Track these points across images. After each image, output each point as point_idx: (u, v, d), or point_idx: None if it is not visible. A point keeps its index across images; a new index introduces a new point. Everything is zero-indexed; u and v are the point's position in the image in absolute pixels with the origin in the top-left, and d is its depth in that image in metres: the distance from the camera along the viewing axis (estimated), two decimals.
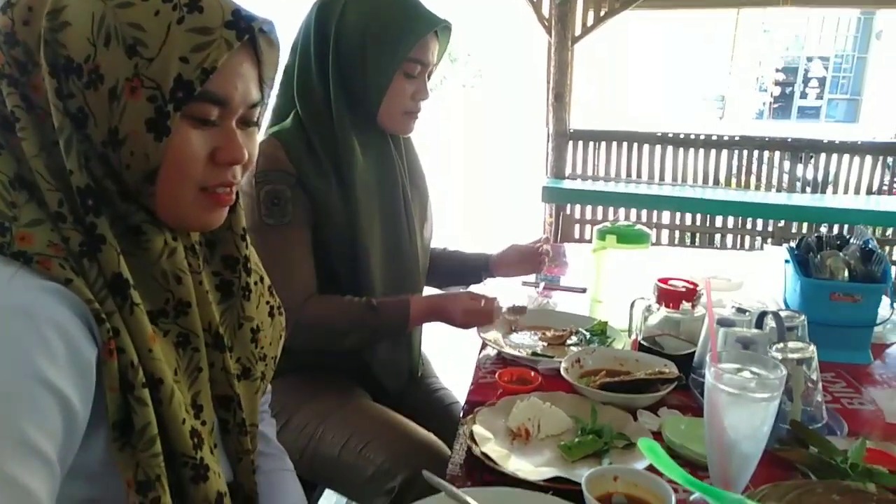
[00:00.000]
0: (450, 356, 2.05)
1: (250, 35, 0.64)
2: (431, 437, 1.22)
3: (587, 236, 4.20)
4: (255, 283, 0.82)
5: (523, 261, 1.55)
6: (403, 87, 1.23)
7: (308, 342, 1.22)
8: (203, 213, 0.68)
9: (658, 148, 4.09)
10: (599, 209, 4.15)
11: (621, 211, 4.08)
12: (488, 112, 13.95)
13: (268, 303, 0.86)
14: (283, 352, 1.29)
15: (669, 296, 1.19)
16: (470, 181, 8.50)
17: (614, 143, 4.13)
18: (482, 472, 0.90)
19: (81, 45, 0.59)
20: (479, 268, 1.57)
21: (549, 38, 3.92)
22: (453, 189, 7.92)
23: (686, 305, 1.18)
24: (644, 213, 4.10)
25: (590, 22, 3.93)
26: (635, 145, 4.11)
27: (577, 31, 3.95)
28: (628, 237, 1.44)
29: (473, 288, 1.60)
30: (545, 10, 3.92)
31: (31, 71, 0.60)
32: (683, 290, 1.20)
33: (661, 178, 4.11)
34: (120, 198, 0.63)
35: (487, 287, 1.61)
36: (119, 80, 0.59)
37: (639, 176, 4.14)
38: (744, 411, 0.77)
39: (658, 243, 4.14)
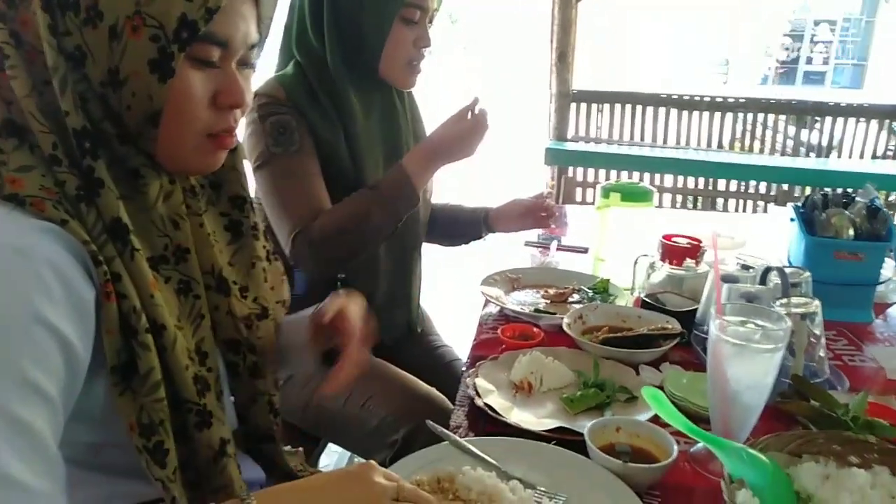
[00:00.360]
0: (451, 313, 2.06)
1: None
2: (433, 391, 1.23)
3: (589, 199, 4.18)
4: (258, 225, 0.82)
5: (525, 215, 1.50)
6: (404, 34, 1.20)
7: (323, 255, 1.16)
8: (204, 157, 0.67)
9: (662, 110, 4.05)
10: (602, 172, 4.12)
11: (624, 174, 4.06)
12: (490, 74, 13.73)
13: (264, 247, 0.84)
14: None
15: (673, 252, 1.19)
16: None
17: (618, 105, 4.08)
18: (485, 423, 0.91)
19: None
20: (478, 221, 1.51)
21: None
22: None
23: (690, 262, 1.17)
24: (647, 175, 4.07)
25: None
26: (639, 107, 4.07)
27: None
28: (632, 195, 1.43)
29: (476, 244, 1.58)
30: None
31: (18, 5, 0.57)
32: (687, 246, 1.19)
33: (665, 140, 4.08)
34: (119, 140, 0.62)
35: (488, 242, 1.60)
36: (119, 17, 0.57)
37: (642, 138, 4.11)
38: (747, 362, 0.77)
39: (661, 206, 4.12)
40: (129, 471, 0.67)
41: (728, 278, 1.08)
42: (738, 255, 1.25)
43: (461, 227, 1.55)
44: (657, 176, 4.08)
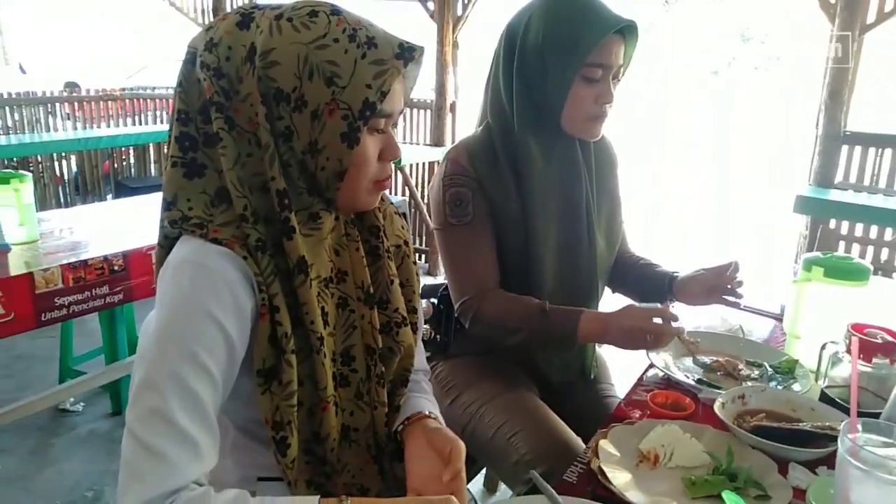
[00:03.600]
0: (630, 362, 2.01)
1: (413, 61, 0.79)
2: (576, 438, 1.26)
3: (854, 255, 3.64)
4: (398, 247, 0.98)
5: (710, 292, 1.38)
6: (585, 92, 1.24)
7: (482, 331, 1.33)
8: (368, 199, 0.86)
9: None
10: (874, 227, 3.56)
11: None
12: (776, 98, 12.49)
13: (415, 262, 1.01)
14: (461, 334, 1.43)
15: (862, 346, 1.05)
16: (724, 177, 7.85)
17: None
18: (595, 485, 0.93)
19: (289, 79, 0.75)
20: (662, 287, 1.45)
21: (831, 26, 3.43)
22: (701, 187, 7.40)
23: (880, 360, 1.03)
24: None
25: (889, 7, 3.35)
26: None
27: (871, 19, 3.39)
28: (839, 271, 1.28)
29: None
30: None
31: (232, 98, 0.77)
32: (878, 341, 1.05)
33: None
34: (307, 193, 0.82)
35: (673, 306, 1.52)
36: (320, 103, 0.76)
37: None
38: (874, 492, 0.69)
39: None
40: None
41: None
42: None
43: (646, 287, 1.50)
44: None
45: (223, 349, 0.75)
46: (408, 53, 0.78)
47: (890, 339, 1.06)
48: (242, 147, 0.78)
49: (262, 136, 0.76)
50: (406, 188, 4.79)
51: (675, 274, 1.45)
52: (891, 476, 0.69)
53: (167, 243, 0.80)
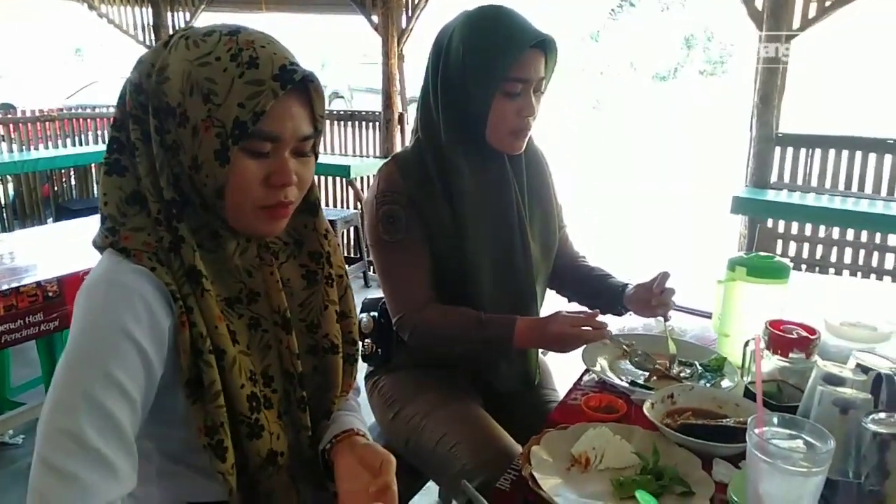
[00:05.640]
0: (574, 369, 2.04)
1: (293, 85, 0.78)
2: (518, 447, 1.27)
3: (791, 252, 3.79)
4: (341, 277, 0.97)
5: (644, 307, 1.40)
6: (506, 106, 1.26)
7: (423, 342, 1.35)
8: (262, 224, 0.84)
9: (888, 158, 3.53)
10: (808, 225, 3.71)
11: (835, 230, 3.61)
12: (719, 102, 12.87)
13: (346, 292, 1.00)
14: (403, 347, 1.44)
15: (779, 342, 1.10)
16: (668, 182, 8.07)
17: (832, 151, 3.64)
18: (526, 491, 0.94)
19: (175, 94, 0.77)
20: (614, 299, 1.47)
21: (759, 33, 3.58)
22: (642, 191, 7.59)
23: (797, 354, 1.08)
24: (864, 233, 3.58)
25: (812, 13, 3.51)
26: (858, 154, 3.59)
27: (796, 25, 3.55)
28: (762, 271, 1.33)
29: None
30: (758, 1, 3.58)
31: (148, 113, 0.79)
32: (794, 337, 1.10)
33: (891, 192, 3.54)
34: (203, 209, 0.82)
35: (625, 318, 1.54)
36: (198, 120, 0.77)
37: (861, 189, 3.62)
38: (778, 482, 0.72)
39: (884, 270, 3.59)
40: (212, 473, 0.84)
41: (831, 379, 0.99)
42: (867, 352, 1.11)
43: (598, 300, 1.51)
44: (877, 235, 3.56)
45: (140, 367, 0.74)
46: (287, 76, 0.77)
47: (805, 334, 1.10)
48: (154, 159, 0.79)
49: (154, 148, 0.78)
50: (358, 202, 4.77)
51: (626, 284, 1.47)
52: (794, 467, 0.72)
53: None
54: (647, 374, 1.32)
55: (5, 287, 1.93)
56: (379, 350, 1.51)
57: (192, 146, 0.77)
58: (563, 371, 1.68)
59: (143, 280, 0.76)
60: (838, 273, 3.67)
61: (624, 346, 1.39)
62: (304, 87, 0.81)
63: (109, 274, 0.77)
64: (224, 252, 0.85)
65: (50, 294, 2.01)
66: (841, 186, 3.67)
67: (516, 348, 1.34)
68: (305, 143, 0.83)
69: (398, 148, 4.55)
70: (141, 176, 0.80)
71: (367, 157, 4.76)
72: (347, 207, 4.87)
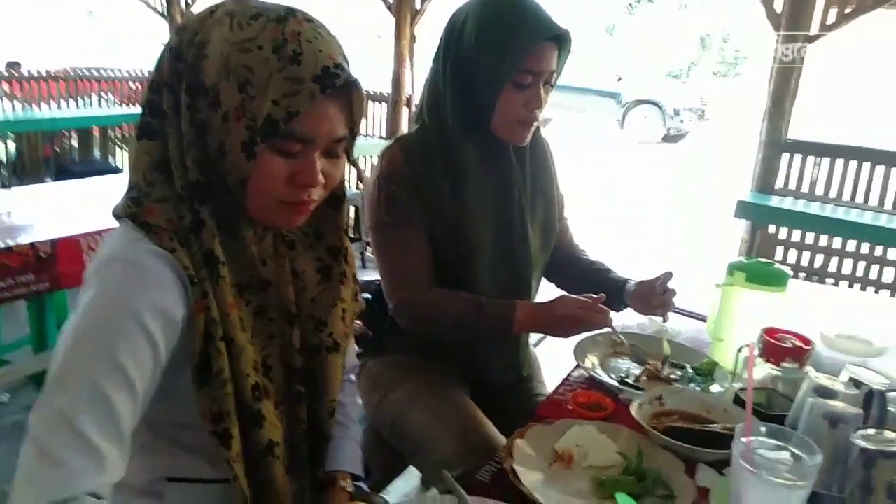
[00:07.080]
0: (565, 363, 2.03)
1: (332, 89, 0.74)
2: (502, 439, 1.27)
3: (791, 260, 3.77)
4: (355, 276, 0.96)
5: (645, 305, 1.38)
6: (515, 97, 1.24)
7: (420, 327, 1.33)
8: (282, 218, 0.82)
9: None
10: (810, 233, 3.69)
11: (836, 240, 3.59)
12: (733, 103, 12.76)
13: (353, 290, 0.97)
14: (394, 331, 1.42)
15: (773, 350, 1.08)
16: (676, 180, 8.05)
17: (839, 160, 3.62)
18: (507, 486, 0.93)
19: (211, 75, 0.74)
20: (613, 295, 1.41)
21: (777, 34, 3.53)
22: (657, 190, 7.57)
23: (789, 363, 1.06)
24: (866, 245, 3.56)
25: (831, 20, 3.46)
26: (866, 165, 3.56)
27: (814, 30, 3.50)
28: (761, 277, 1.32)
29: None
30: (777, 4, 3.53)
31: (183, 82, 0.76)
32: (789, 346, 1.08)
33: None
34: (226, 194, 0.79)
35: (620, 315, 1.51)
36: (230, 108, 0.74)
37: (866, 200, 3.59)
38: (763, 494, 0.71)
39: (882, 283, 3.57)
40: (198, 450, 0.84)
41: (823, 391, 0.97)
42: (860, 365, 1.09)
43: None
44: (879, 248, 3.54)
45: (148, 357, 0.73)
46: (329, 79, 0.74)
47: (800, 344, 1.09)
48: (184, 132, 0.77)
49: (184, 125, 0.76)
50: (359, 182, 4.75)
51: (627, 280, 1.45)
52: (779, 479, 0.71)
53: None
54: (638, 368, 1.31)
55: (0, 245, 1.91)
56: (370, 333, 1.49)
57: (221, 132, 0.74)
58: (553, 365, 1.66)
59: (162, 264, 0.74)
60: (836, 283, 3.66)
61: (620, 339, 1.37)
62: (345, 89, 0.78)
63: (128, 252, 0.74)
64: (242, 239, 0.82)
65: (42, 255, 2.00)
66: (846, 197, 3.65)
67: (514, 334, 1.32)
68: (338, 145, 0.80)
69: (404, 129, 4.52)
70: (170, 147, 0.77)
71: (373, 136, 4.73)
72: (350, 187, 4.85)
